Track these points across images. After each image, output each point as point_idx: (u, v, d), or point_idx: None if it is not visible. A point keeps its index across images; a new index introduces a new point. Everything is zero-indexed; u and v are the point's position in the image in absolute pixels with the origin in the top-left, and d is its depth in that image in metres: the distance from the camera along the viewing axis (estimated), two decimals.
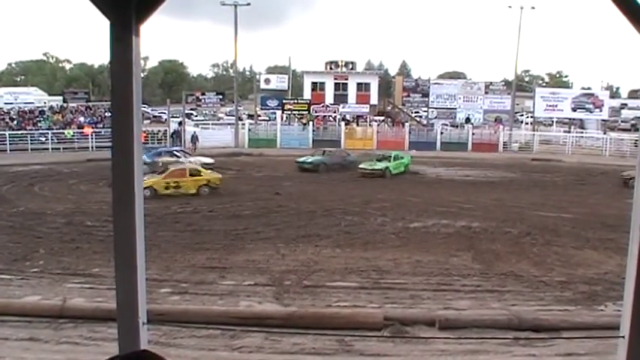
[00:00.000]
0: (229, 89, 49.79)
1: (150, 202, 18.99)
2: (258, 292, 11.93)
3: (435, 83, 46.20)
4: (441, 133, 41.70)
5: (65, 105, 43.99)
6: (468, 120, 44.02)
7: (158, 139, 38.89)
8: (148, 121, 51.76)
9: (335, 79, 45.96)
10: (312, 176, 27.82)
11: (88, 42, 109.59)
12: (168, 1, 2.68)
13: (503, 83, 46.79)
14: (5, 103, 44.46)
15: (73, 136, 37.91)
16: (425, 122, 45.83)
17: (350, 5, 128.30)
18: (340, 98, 45.37)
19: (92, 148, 35.94)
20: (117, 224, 2.72)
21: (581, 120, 46.25)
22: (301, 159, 30.60)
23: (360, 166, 28.26)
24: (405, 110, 46.64)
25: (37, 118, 40.05)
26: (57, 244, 15.53)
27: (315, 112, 44.47)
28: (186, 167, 24.13)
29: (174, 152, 29.51)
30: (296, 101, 45.33)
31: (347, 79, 46.01)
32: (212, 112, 46.53)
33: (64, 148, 36.21)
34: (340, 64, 47.02)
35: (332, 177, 27.62)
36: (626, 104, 65.95)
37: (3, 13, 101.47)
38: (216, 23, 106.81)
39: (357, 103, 45.54)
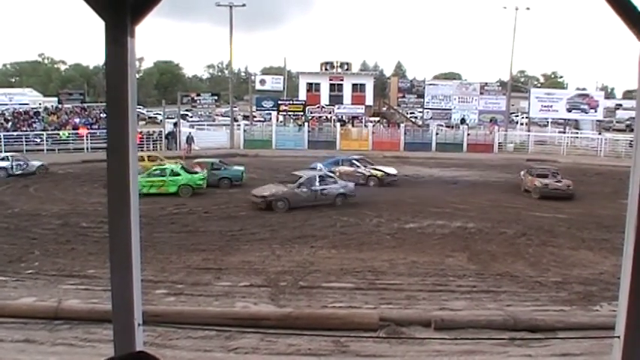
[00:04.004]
0: (224, 90, 49.75)
1: (145, 203, 18.91)
2: (254, 293, 11.93)
3: (430, 84, 46.23)
4: (437, 133, 41.71)
5: (60, 106, 43.83)
6: (463, 121, 44.08)
7: (153, 140, 38.82)
8: (144, 122, 51.63)
9: (330, 80, 45.90)
10: None
11: (84, 43, 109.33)
12: (163, 2, 2.68)
13: (498, 84, 46.90)
14: (0, 104, 44.27)
15: (68, 137, 37.76)
16: (420, 123, 45.85)
17: (345, 6, 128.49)
18: (335, 99, 45.32)
19: (87, 149, 35.79)
20: (112, 225, 2.72)
21: (576, 120, 46.41)
22: None
23: None
24: (401, 111, 46.64)
25: (32, 119, 39.89)
26: (52, 246, 15.49)
27: (311, 113, 44.43)
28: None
29: (353, 161, 27.55)
30: (291, 102, 45.26)
31: (342, 80, 45.96)
32: (207, 113, 46.41)
33: (59, 150, 36.03)
34: (335, 65, 46.97)
35: None
36: (621, 105, 66.14)
37: None
38: (215, 25, 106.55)
39: (352, 104, 45.49)
